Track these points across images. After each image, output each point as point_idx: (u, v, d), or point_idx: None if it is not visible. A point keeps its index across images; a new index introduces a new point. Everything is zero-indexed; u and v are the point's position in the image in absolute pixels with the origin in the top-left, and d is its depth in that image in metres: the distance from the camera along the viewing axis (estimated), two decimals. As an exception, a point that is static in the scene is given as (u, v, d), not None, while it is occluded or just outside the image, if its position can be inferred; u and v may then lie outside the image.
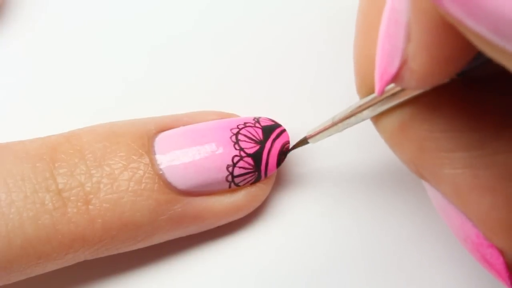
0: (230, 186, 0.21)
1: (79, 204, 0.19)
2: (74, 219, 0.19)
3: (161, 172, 0.20)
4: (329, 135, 0.20)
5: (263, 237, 0.22)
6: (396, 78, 0.14)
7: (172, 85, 0.24)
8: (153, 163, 0.20)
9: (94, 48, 0.25)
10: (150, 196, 0.20)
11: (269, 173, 0.21)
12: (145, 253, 0.22)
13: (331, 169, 0.23)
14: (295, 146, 0.21)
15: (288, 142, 0.21)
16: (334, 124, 0.19)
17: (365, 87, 0.18)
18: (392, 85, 0.16)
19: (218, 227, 0.22)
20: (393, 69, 0.14)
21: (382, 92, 0.15)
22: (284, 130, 0.22)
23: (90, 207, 0.19)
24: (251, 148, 0.21)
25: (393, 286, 0.22)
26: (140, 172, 0.20)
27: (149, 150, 0.20)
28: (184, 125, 0.21)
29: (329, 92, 0.24)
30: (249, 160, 0.21)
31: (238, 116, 0.23)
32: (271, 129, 0.21)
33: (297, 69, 0.24)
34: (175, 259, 0.22)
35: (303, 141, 0.21)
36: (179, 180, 0.20)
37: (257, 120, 0.22)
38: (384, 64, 0.14)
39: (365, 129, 0.20)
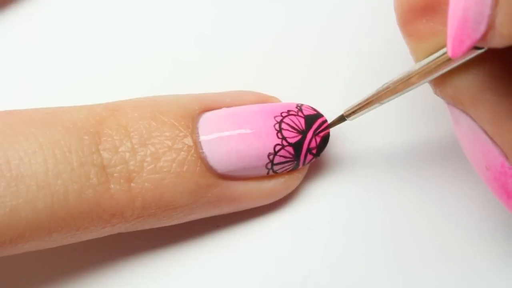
0: (268, 173, 0.21)
1: (121, 181, 0.19)
2: (116, 195, 0.19)
3: (203, 155, 0.20)
4: (369, 110, 0.20)
5: (285, 221, 0.23)
6: (479, 42, 0.15)
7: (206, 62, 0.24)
8: (196, 145, 0.20)
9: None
10: (191, 179, 0.20)
11: (306, 163, 0.21)
12: (157, 234, 0.22)
13: (358, 154, 0.23)
14: (332, 125, 0.21)
15: (328, 134, 0.21)
16: (377, 95, 0.19)
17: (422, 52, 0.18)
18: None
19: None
20: (478, 35, 0.14)
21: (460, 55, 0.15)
22: (325, 121, 0.21)
23: (132, 185, 0.19)
24: (293, 137, 0.21)
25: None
26: (183, 154, 0.20)
27: (193, 132, 0.20)
28: (227, 107, 0.21)
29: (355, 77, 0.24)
30: (290, 149, 0.21)
31: (278, 99, 0.23)
32: (313, 119, 0.21)
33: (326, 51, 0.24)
34: (194, 241, 0.22)
35: (341, 119, 0.21)
36: (221, 164, 0.20)
37: (299, 108, 0.21)
38: (467, 30, 0.15)
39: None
